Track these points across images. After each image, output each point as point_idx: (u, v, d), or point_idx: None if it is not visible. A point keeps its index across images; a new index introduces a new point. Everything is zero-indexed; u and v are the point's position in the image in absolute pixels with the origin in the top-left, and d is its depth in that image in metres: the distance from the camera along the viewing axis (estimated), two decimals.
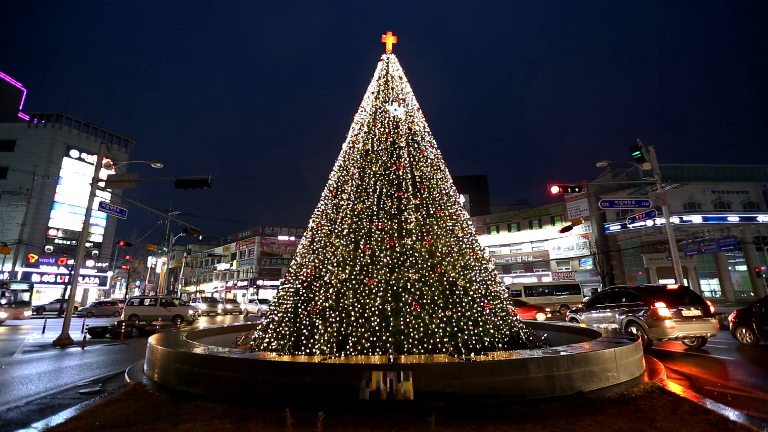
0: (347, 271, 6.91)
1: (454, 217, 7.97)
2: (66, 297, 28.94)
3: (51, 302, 33.26)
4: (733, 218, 37.19)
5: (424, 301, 6.50)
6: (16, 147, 46.49)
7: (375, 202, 7.59)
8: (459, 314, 6.53)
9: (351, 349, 6.03)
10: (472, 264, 7.46)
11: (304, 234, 8.61)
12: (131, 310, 20.17)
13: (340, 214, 7.85)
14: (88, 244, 44.62)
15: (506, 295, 7.83)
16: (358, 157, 8.49)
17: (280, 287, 8.03)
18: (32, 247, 40.97)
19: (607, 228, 40.00)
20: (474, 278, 7.22)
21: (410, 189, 7.79)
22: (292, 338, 6.68)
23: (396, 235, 7.24)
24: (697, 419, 4.02)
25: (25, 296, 21.94)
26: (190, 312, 20.68)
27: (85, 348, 11.22)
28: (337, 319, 6.42)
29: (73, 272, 15.43)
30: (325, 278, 7.06)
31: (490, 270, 7.79)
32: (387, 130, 8.60)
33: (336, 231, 7.63)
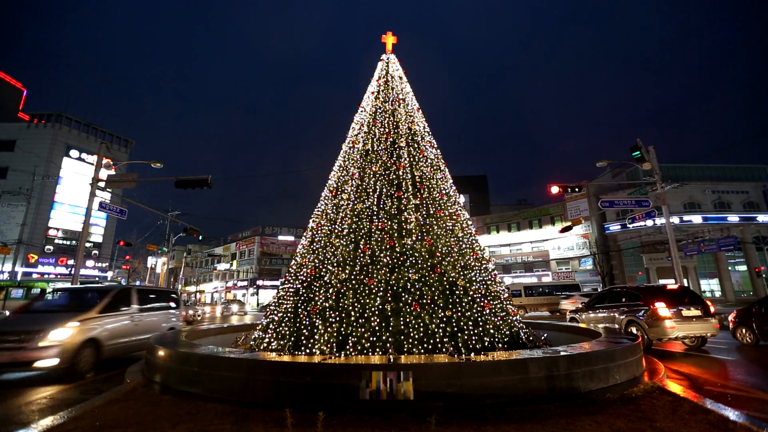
0: (347, 271, 6.91)
1: (454, 217, 7.97)
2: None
3: None
4: (733, 218, 37.22)
5: (424, 301, 6.49)
6: (16, 147, 46.56)
7: (375, 202, 7.58)
8: (459, 314, 6.52)
9: (351, 349, 6.02)
10: (472, 264, 7.46)
11: (304, 234, 8.60)
12: None
13: (340, 214, 7.85)
14: (88, 244, 44.62)
15: (506, 295, 7.83)
16: (358, 157, 8.48)
17: (280, 287, 8.02)
18: (32, 247, 41.01)
19: (607, 228, 40.01)
20: (474, 278, 7.22)
21: (410, 189, 7.79)
22: (292, 338, 6.68)
23: (396, 235, 7.24)
24: (697, 419, 4.02)
25: None
26: (190, 312, 20.89)
27: None
28: (337, 319, 6.41)
29: (73, 272, 15.44)
30: (325, 278, 7.06)
31: (490, 270, 7.79)
32: (387, 130, 8.60)
33: (336, 231, 7.62)
